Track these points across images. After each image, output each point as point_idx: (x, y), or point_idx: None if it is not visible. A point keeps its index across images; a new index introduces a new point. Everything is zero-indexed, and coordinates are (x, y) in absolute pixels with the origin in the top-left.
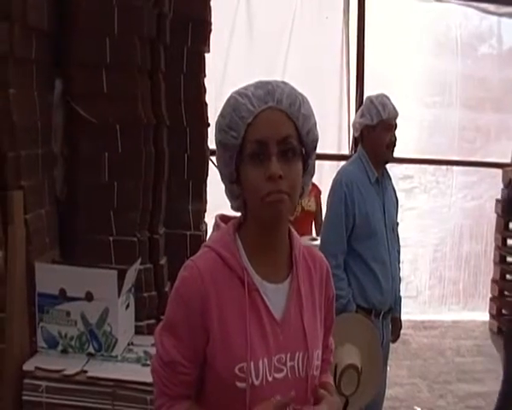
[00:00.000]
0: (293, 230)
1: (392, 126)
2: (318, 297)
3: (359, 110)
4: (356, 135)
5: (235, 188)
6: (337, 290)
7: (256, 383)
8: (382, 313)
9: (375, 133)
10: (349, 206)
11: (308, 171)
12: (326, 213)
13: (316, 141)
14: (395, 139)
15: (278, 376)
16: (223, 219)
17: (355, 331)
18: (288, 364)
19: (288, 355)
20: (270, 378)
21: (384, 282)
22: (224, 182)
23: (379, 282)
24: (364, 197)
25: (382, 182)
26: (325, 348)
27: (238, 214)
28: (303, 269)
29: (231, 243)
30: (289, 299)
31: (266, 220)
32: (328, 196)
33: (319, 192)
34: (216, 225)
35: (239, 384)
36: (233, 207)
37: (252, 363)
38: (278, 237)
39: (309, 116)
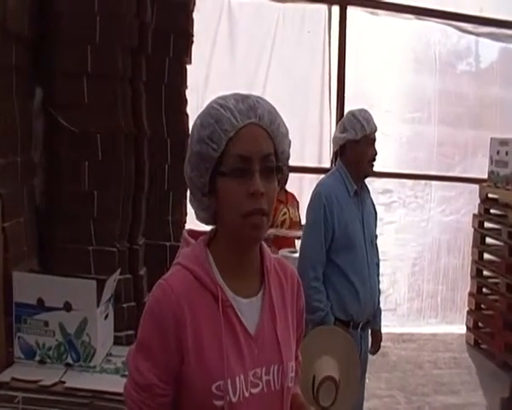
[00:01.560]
0: (262, 242)
1: (374, 141)
2: (290, 308)
3: (340, 124)
4: (335, 149)
5: (206, 199)
6: (315, 303)
7: (233, 400)
8: (361, 325)
9: (359, 148)
10: (328, 218)
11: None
12: (305, 226)
13: (288, 161)
14: (376, 153)
15: (254, 391)
16: (191, 234)
17: (333, 343)
18: (264, 378)
19: (264, 369)
20: (246, 394)
21: (362, 294)
22: (193, 192)
23: (357, 294)
24: (343, 210)
25: (361, 195)
26: (295, 359)
27: (206, 228)
28: (274, 281)
29: (203, 259)
30: (262, 312)
31: (243, 241)
32: (308, 208)
33: (297, 202)
34: (185, 241)
35: (216, 403)
36: (199, 218)
37: (229, 380)
38: (251, 252)
39: (285, 135)
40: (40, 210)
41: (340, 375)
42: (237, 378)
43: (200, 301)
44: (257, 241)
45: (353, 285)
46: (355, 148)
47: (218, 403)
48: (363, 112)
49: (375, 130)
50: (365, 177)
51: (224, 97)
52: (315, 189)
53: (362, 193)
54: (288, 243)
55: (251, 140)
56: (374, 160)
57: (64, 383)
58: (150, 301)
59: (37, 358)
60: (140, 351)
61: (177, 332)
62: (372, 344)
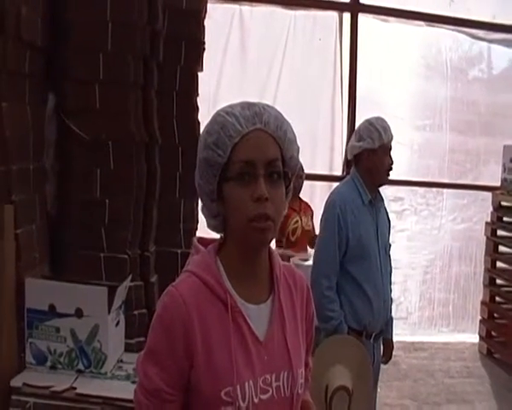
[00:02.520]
0: (272, 249)
1: (390, 149)
2: (300, 315)
3: (356, 133)
4: (349, 157)
5: (215, 206)
6: (329, 312)
7: (242, 406)
8: (373, 335)
9: (376, 157)
10: (342, 228)
11: (288, 196)
12: (319, 235)
13: (297, 167)
14: (392, 162)
15: (264, 397)
16: (201, 241)
17: (346, 353)
18: (274, 384)
19: (274, 376)
20: (256, 400)
21: (376, 304)
22: (202, 199)
23: (371, 304)
24: (358, 219)
25: (375, 204)
26: (305, 366)
27: (216, 236)
28: (284, 288)
29: (213, 266)
30: (272, 319)
31: (250, 245)
32: (322, 217)
33: (312, 212)
34: (195, 248)
35: (225, 408)
36: (209, 226)
37: (238, 386)
38: (260, 258)
39: (293, 141)
40: (52, 216)
41: (352, 385)
42: (246, 384)
43: (209, 307)
44: (263, 244)
45: (367, 295)
46: (372, 157)
47: (228, 409)
48: (381, 120)
49: (392, 138)
50: (380, 186)
51: (231, 105)
52: (329, 197)
53: (376, 202)
54: (304, 250)
55: (255, 145)
56: (390, 169)
57: (75, 389)
58: (159, 308)
59: (49, 364)
60: (149, 356)
61: (186, 338)
62: (384, 353)
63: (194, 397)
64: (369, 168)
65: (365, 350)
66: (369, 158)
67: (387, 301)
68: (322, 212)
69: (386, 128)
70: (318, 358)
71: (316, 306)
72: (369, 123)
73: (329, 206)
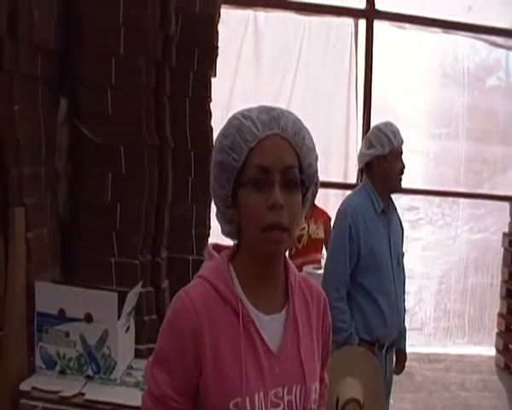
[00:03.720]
0: (288, 259)
1: (401, 153)
2: (316, 328)
3: (365, 140)
4: (361, 166)
5: (229, 212)
6: (339, 323)
7: None
8: (386, 346)
9: (387, 163)
10: (354, 238)
11: (305, 205)
12: (330, 245)
13: (315, 175)
14: (404, 166)
15: None
16: (216, 248)
17: (357, 364)
18: (286, 398)
19: (286, 389)
20: None
21: (389, 315)
22: (216, 204)
23: (383, 315)
24: (370, 229)
25: (388, 213)
26: (320, 381)
27: (231, 243)
28: (299, 299)
29: (225, 273)
30: (286, 330)
31: (263, 255)
32: (333, 227)
33: (329, 219)
34: (209, 255)
35: None
36: (224, 232)
37: (247, 398)
38: (274, 267)
39: (312, 149)
40: (63, 220)
41: (364, 396)
42: (256, 396)
43: (220, 315)
44: (276, 256)
45: (380, 306)
46: (382, 163)
47: None
48: (389, 125)
49: (402, 142)
50: (392, 192)
51: (248, 109)
52: (340, 207)
53: (389, 211)
54: (311, 258)
55: (272, 151)
56: (402, 173)
57: (84, 395)
58: (169, 312)
59: (58, 368)
60: (157, 361)
61: (195, 345)
62: (396, 364)
63: (203, 407)
64: (380, 175)
65: (377, 361)
66: (380, 165)
67: (401, 312)
68: (333, 221)
69: (396, 132)
70: (329, 369)
71: None
72: (378, 129)
73: (340, 215)
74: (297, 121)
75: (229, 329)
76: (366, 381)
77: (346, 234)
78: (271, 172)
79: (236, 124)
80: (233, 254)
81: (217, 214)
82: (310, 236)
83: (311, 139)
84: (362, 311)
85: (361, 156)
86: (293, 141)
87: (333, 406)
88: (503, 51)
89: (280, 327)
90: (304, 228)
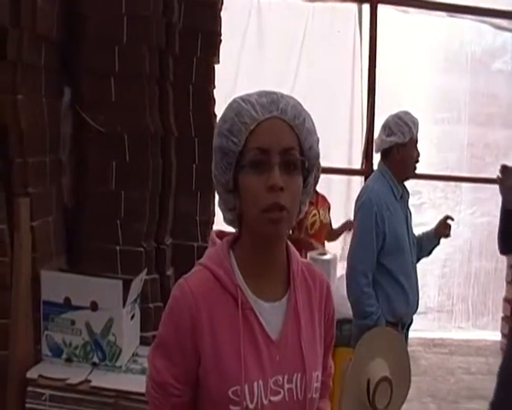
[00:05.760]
0: (290, 245)
1: (417, 142)
2: (318, 316)
3: (385, 128)
4: (377, 152)
5: (231, 198)
6: (368, 307)
7: (251, 406)
8: (406, 326)
9: (406, 150)
10: (379, 224)
11: (307, 189)
12: (355, 232)
13: (317, 158)
14: (419, 154)
15: (275, 399)
16: (219, 235)
17: (384, 345)
18: (286, 386)
19: (286, 377)
20: (265, 402)
21: (411, 295)
22: (218, 191)
23: (407, 295)
24: (393, 215)
25: (404, 198)
26: (324, 369)
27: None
28: (301, 287)
29: (225, 260)
30: (286, 318)
31: (263, 236)
32: (356, 214)
33: (329, 205)
34: (212, 242)
35: (233, 408)
36: (226, 220)
37: (246, 386)
38: (275, 253)
39: (312, 131)
40: (68, 209)
41: (391, 374)
42: (255, 384)
43: (219, 302)
44: (276, 236)
45: (403, 287)
46: (402, 151)
47: (235, 408)
48: (409, 115)
49: (418, 131)
50: (407, 179)
51: (249, 93)
52: (362, 195)
53: (404, 195)
54: (322, 243)
55: (271, 133)
56: (418, 161)
57: (90, 382)
58: (170, 300)
59: (64, 356)
60: (158, 349)
61: (194, 333)
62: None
63: (203, 394)
64: (399, 162)
65: (402, 339)
66: (400, 152)
67: (418, 292)
68: (354, 209)
69: (415, 122)
70: (358, 353)
71: (353, 303)
72: (398, 117)
73: (365, 203)
74: (297, 104)
75: (228, 316)
76: (393, 359)
77: (373, 221)
78: (270, 154)
79: (235, 107)
80: (234, 241)
81: (219, 202)
82: (321, 222)
83: (312, 122)
84: (386, 293)
85: (381, 142)
86: (293, 123)
87: (363, 387)
88: (508, 35)
89: (281, 315)
90: (315, 214)
